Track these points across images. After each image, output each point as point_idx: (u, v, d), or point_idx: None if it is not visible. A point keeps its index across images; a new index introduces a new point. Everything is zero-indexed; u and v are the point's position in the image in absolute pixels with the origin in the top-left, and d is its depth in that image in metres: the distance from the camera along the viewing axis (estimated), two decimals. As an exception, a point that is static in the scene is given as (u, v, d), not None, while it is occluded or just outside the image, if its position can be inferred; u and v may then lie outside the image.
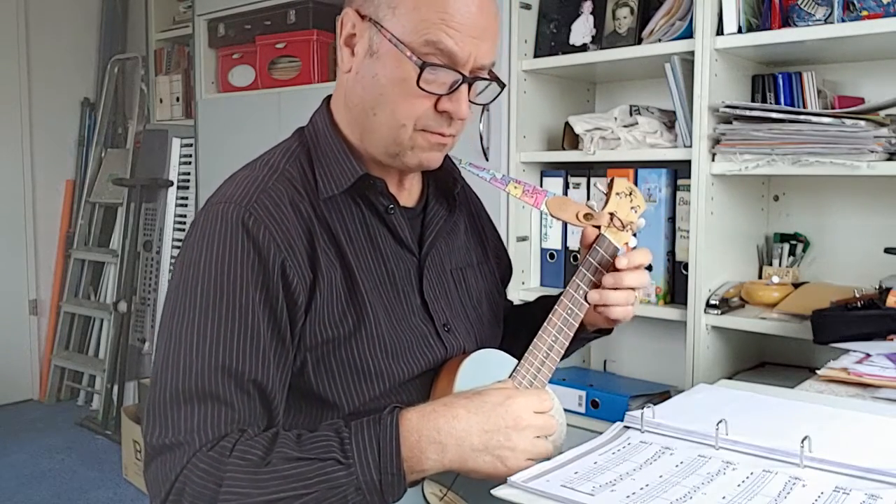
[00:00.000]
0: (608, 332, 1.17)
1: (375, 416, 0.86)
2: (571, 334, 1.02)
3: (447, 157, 1.08)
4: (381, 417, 0.85)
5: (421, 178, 1.09)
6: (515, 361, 1.01)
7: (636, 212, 1.08)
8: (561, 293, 1.06)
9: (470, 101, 0.95)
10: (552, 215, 1.05)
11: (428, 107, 0.93)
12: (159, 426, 0.85)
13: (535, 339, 1.00)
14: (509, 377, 0.99)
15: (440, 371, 1.00)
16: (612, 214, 1.06)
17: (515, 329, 1.19)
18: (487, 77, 0.97)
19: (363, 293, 0.94)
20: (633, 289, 1.04)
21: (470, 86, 0.94)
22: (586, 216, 1.04)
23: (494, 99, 1.01)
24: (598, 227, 1.05)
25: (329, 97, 1.05)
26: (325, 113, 1.02)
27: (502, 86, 0.99)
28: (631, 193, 1.08)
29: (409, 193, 1.06)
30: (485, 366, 1.00)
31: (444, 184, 1.08)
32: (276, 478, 0.81)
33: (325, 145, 0.99)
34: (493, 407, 0.87)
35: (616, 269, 1.04)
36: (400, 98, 0.92)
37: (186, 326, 0.87)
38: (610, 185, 1.09)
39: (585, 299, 1.03)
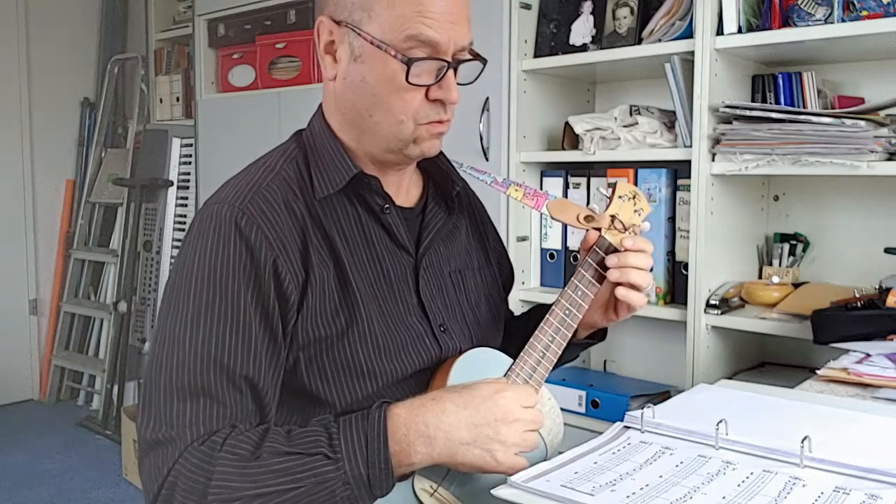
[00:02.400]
0: (602, 338, 1.18)
1: (364, 411, 0.87)
2: (569, 335, 1.02)
3: (447, 160, 1.09)
4: (370, 412, 0.86)
5: (421, 179, 1.10)
6: (511, 361, 1.01)
7: (640, 215, 1.09)
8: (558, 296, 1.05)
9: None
10: (553, 217, 1.06)
11: (420, 99, 0.94)
12: (153, 421, 0.86)
13: (531, 339, 1.01)
14: (504, 376, 0.99)
15: (436, 370, 1.01)
16: (613, 217, 1.06)
17: (511, 337, 1.19)
18: (470, 58, 0.98)
19: (356, 292, 0.95)
20: (638, 269, 1.03)
21: (455, 70, 0.95)
22: (587, 218, 1.05)
23: (478, 76, 1.01)
24: (599, 230, 1.05)
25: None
26: (320, 115, 1.04)
27: (484, 62, 1.00)
28: (634, 197, 1.09)
29: (406, 194, 1.07)
30: (479, 364, 1.00)
31: (444, 186, 1.09)
32: (265, 472, 0.82)
33: (320, 146, 1.00)
34: (481, 401, 0.88)
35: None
36: (392, 96, 0.93)
37: (180, 324, 0.88)
38: (613, 188, 1.09)
39: (584, 300, 1.03)
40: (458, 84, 0.97)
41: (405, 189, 1.06)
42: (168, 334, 0.89)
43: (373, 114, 0.95)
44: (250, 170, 0.99)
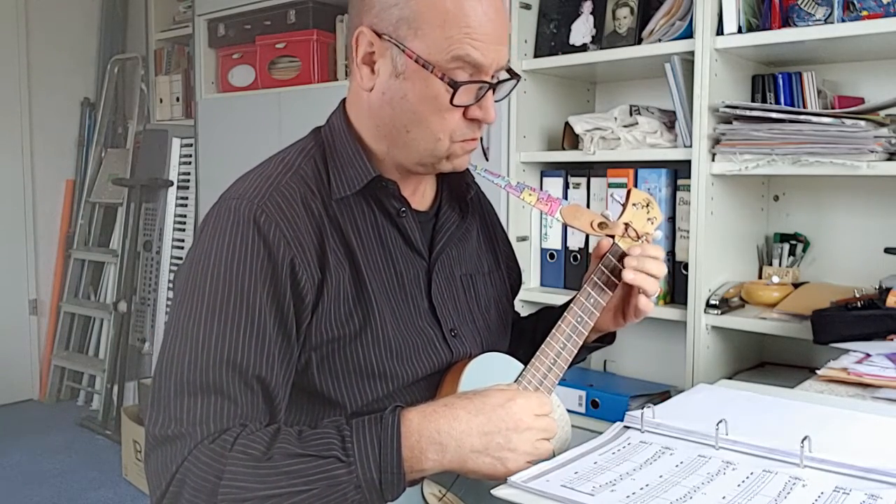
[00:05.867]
0: (610, 341, 1.18)
1: (377, 415, 0.86)
2: (580, 342, 1.02)
3: None
4: (383, 417, 0.86)
5: (435, 182, 1.10)
6: (522, 366, 1.01)
7: (652, 223, 1.09)
8: (569, 301, 1.06)
9: None
10: (566, 223, 1.05)
11: (459, 118, 0.94)
12: (162, 417, 0.86)
13: (542, 346, 1.01)
14: (515, 381, 0.99)
15: (446, 373, 1.01)
16: (627, 224, 1.06)
17: (518, 339, 1.19)
18: (508, 77, 0.98)
19: (370, 294, 0.95)
20: (652, 275, 1.04)
21: (494, 89, 0.95)
22: (601, 225, 1.05)
23: (510, 92, 1.01)
24: (612, 237, 1.06)
25: (346, 98, 1.05)
26: (342, 114, 1.03)
27: (518, 79, 1.00)
28: (648, 205, 1.09)
29: (421, 197, 1.07)
30: (490, 369, 1.00)
31: (458, 189, 1.09)
32: (277, 473, 0.82)
33: (339, 146, 1.00)
34: (493, 408, 0.87)
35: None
36: (433, 115, 0.93)
37: (194, 320, 0.88)
38: (627, 196, 1.09)
39: (596, 307, 1.04)
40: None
41: (421, 192, 1.06)
42: (181, 329, 0.88)
43: (410, 130, 0.95)
44: (268, 166, 0.98)
